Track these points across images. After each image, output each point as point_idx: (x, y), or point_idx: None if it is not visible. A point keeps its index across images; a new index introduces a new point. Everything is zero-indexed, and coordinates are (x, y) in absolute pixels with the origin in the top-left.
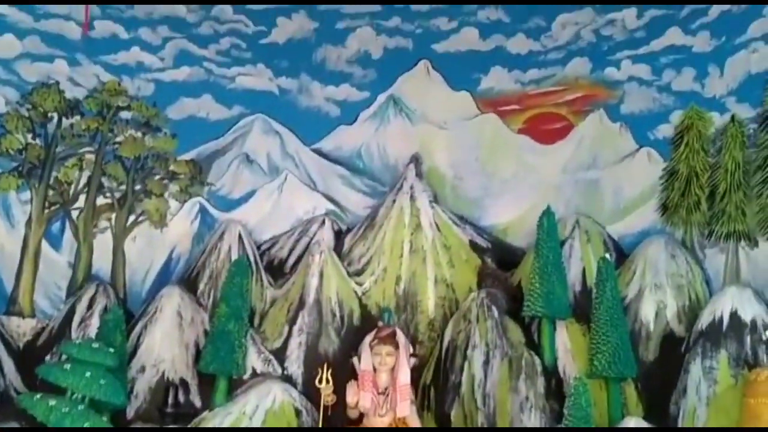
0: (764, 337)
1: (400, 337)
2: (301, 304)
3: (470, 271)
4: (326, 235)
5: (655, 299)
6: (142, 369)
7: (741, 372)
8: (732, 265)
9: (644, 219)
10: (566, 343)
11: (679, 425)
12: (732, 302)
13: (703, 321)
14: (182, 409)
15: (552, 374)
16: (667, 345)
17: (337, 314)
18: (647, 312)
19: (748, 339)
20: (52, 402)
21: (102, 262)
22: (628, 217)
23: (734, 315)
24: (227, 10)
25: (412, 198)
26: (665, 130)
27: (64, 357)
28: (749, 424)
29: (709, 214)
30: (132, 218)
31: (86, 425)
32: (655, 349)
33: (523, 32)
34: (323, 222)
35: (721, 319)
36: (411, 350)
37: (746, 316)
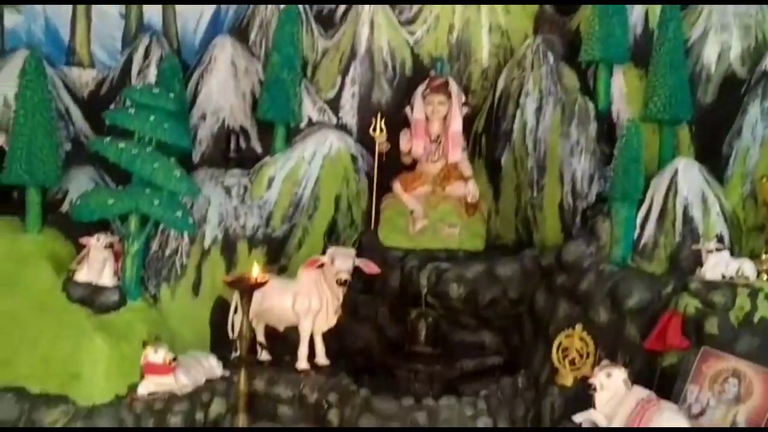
0: None
1: (453, 86)
2: (353, 54)
3: (526, 17)
4: None
5: (720, 40)
6: (203, 117)
7: None
8: None
9: None
10: (622, 88)
11: (730, 165)
12: None
13: None
14: (244, 154)
15: (605, 119)
16: (726, 87)
17: (389, 64)
18: (709, 54)
19: None
20: (122, 144)
21: (153, 12)
22: None
23: None
24: None
25: None
26: None
27: (128, 104)
28: None
29: None
30: None
31: (155, 166)
32: (713, 92)
33: None
34: None
35: None
36: (463, 99)
37: None
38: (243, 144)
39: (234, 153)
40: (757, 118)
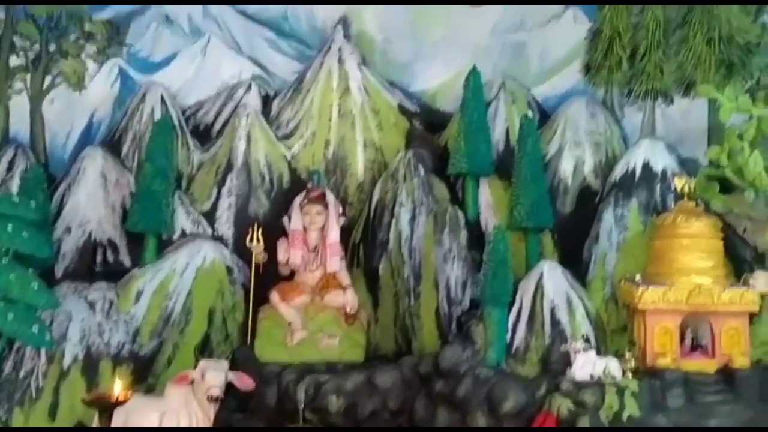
0: (673, 186)
1: (329, 197)
2: (229, 167)
3: (399, 134)
4: (253, 100)
5: (574, 155)
6: (68, 230)
7: (650, 218)
8: (648, 122)
9: (568, 80)
10: (488, 199)
11: (591, 270)
12: (645, 154)
13: (617, 173)
14: (112, 268)
15: (474, 227)
16: (583, 197)
17: (266, 177)
18: (566, 167)
19: (658, 187)
20: None
21: (20, 126)
22: (552, 78)
23: (646, 166)
24: None
25: (340, 61)
26: None
27: None
28: (655, 265)
29: (629, 74)
30: (48, 80)
31: (11, 277)
32: (571, 202)
33: None
34: (249, 86)
35: (633, 170)
36: (340, 210)
37: (657, 167)
38: (111, 257)
39: (100, 266)
40: (611, 225)
